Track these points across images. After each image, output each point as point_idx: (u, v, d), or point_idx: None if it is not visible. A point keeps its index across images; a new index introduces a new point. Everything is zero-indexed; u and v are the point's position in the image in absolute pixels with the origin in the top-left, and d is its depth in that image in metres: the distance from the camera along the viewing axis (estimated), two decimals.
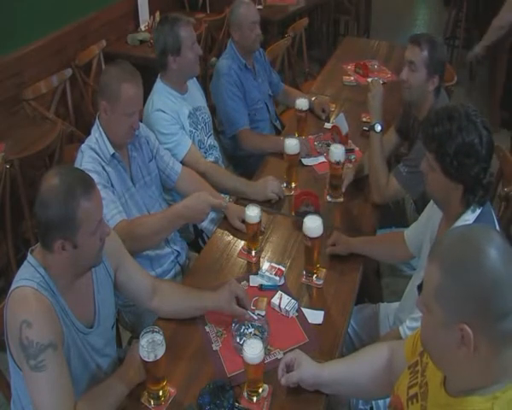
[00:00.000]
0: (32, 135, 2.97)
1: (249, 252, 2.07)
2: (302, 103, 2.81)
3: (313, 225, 1.88)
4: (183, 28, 2.38)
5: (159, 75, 2.48)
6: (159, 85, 2.45)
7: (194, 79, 2.66)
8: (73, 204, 1.37)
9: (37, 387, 1.36)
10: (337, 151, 2.30)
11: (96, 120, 2.01)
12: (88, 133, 2.05)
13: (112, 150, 1.98)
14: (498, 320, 0.96)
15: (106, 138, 1.98)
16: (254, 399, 1.52)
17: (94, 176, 1.86)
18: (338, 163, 2.30)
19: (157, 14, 4.32)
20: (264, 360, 1.50)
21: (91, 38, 3.97)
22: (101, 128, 1.98)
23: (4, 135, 2.94)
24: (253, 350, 1.47)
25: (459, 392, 1.05)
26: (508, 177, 2.43)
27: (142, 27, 4.42)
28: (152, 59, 3.83)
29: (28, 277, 1.42)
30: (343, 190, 2.36)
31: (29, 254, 1.47)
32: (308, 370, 1.50)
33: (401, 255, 2.05)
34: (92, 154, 1.95)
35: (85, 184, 1.42)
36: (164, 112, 2.37)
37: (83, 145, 1.99)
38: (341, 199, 2.36)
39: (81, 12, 3.95)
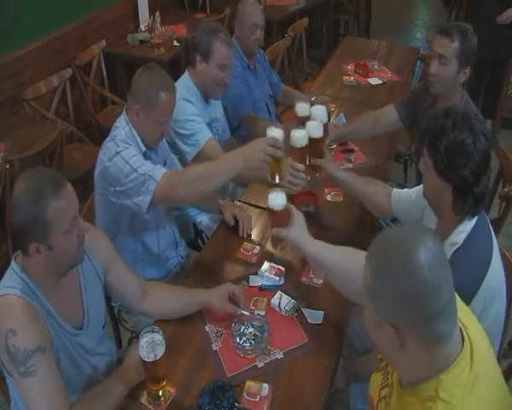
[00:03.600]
0: (32, 135, 2.98)
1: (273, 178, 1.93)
2: (303, 110, 2.40)
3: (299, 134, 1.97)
4: (219, 43, 2.37)
5: (187, 69, 2.48)
6: (186, 80, 2.44)
7: None
8: (41, 206, 1.34)
9: (29, 393, 1.35)
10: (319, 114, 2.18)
11: (125, 115, 2.00)
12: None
13: (144, 148, 1.99)
14: (425, 323, 1.00)
15: (137, 136, 1.98)
16: (279, 247, 1.87)
17: (131, 148, 1.91)
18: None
19: (157, 14, 4.31)
20: (286, 209, 1.66)
21: (91, 38, 3.97)
22: (130, 125, 1.97)
23: (4, 135, 2.94)
24: (278, 200, 1.65)
25: (408, 383, 1.09)
26: (508, 177, 2.43)
27: (142, 27, 4.42)
28: (152, 59, 3.84)
29: (11, 284, 1.41)
30: (327, 142, 2.29)
31: (13, 260, 1.46)
32: (295, 236, 1.61)
33: (380, 208, 2.02)
34: (126, 143, 1.94)
35: (53, 183, 1.38)
36: (191, 103, 2.36)
37: (112, 136, 1.96)
38: (341, 199, 2.36)
39: (81, 12, 3.95)
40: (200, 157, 2.36)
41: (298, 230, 1.63)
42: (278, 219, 1.70)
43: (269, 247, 2.11)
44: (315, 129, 2.09)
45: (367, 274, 1.05)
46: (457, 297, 1.18)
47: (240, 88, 2.79)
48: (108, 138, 1.97)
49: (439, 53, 2.16)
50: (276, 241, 1.93)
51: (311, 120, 2.17)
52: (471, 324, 1.15)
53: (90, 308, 1.59)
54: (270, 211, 1.73)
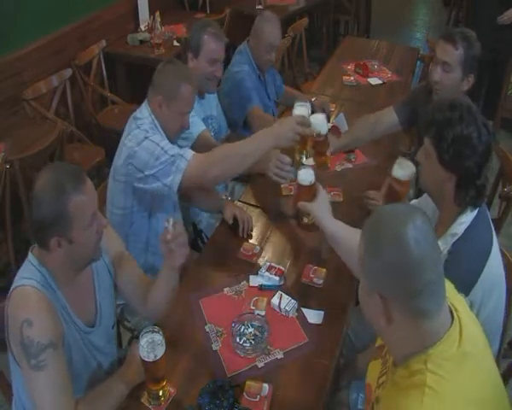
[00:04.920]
0: (32, 135, 2.97)
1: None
2: (300, 111, 2.13)
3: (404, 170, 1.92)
4: (208, 36, 2.36)
5: None
6: None
7: None
8: (64, 200, 1.36)
9: (37, 386, 1.36)
10: (319, 123, 2.09)
11: (147, 106, 2.03)
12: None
13: (166, 139, 2.01)
14: (409, 296, 1.05)
15: (161, 129, 2.01)
16: (305, 220, 2.05)
17: (158, 134, 1.96)
18: (320, 135, 2.14)
19: (157, 14, 4.31)
20: (314, 185, 1.78)
21: (91, 38, 3.97)
22: (153, 116, 2.01)
23: (4, 135, 2.94)
24: (307, 175, 1.78)
25: (400, 360, 1.13)
26: (508, 177, 2.43)
27: (142, 27, 4.42)
28: (152, 59, 3.85)
29: (28, 275, 1.42)
30: (328, 154, 2.25)
31: (30, 252, 1.48)
32: (317, 211, 1.74)
33: None
34: (152, 130, 1.98)
35: (75, 178, 1.40)
36: None
37: (138, 124, 1.97)
38: (341, 199, 2.36)
39: (81, 12, 3.95)
40: (194, 150, 2.35)
41: (321, 206, 1.75)
42: (305, 193, 1.81)
43: (269, 247, 2.11)
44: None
45: (360, 247, 1.12)
46: (451, 286, 1.24)
47: (246, 82, 2.76)
48: (133, 126, 1.99)
49: (442, 60, 2.13)
50: (304, 214, 2.06)
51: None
52: (463, 309, 1.18)
53: (102, 307, 1.61)
54: (298, 186, 1.84)
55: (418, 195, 2.37)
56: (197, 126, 2.36)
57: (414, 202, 2.03)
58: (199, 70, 2.40)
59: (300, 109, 2.00)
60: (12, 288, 1.42)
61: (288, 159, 2.05)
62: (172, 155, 1.90)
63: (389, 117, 2.49)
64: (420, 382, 1.05)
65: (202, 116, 2.49)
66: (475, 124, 1.48)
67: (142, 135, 1.94)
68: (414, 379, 1.06)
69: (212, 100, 2.64)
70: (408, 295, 1.05)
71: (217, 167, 1.90)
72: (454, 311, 1.14)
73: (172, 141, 2.06)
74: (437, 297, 1.07)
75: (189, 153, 1.92)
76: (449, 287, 1.22)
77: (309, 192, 1.80)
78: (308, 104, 2.07)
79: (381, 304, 1.07)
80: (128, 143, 1.96)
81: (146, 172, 1.91)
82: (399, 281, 1.05)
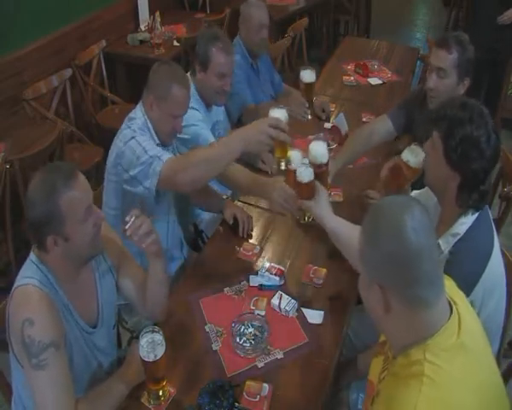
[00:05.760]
0: (32, 135, 2.97)
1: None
2: (308, 76, 2.68)
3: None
4: (217, 51, 2.31)
5: (190, 77, 2.31)
6: (191, 88, 2.23)
7: None
8: (54, 198, 1.36)
9: (38, 385, 1.36)
10: (320, 153, 1.96)
11: (141, 107, 2.02)
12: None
13: (158, 141, 2.00)
14: (407, 285, 1.07)
15: (152, 129, 2.00)
16: (306, 218, 2.02)
17: (146, 135, 1.94)
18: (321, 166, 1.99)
19: (157, 14, 4.31)
20: (312, 183, 1.75)
21: (91, 38, 3.97)
22: (146, 116, 2.00)
23: (4, 135, 2.94)
24: (306, 173, 1.73)
25: (399, 351, 1.14)
26: (508, 177, 2.43)
27: (142, 27, 4.42)
28: (152, 59, 3.84)
29: (30, 274, 1.42)
30: (329, 181, 2.18)
31: (31, 252, 1.48)
32: (319, 209, 1.75)
33: None
34: (142, 130, 1.97)
35: (65, 175, 1.39)
36: (197, 110, 2.33)
37: (129, 124, 1.97)
38: (341, 199, 2.36)
39: (81, 12, 3.95)
40: None
41: (321, 204, 1.76)
42: (304, 191, 1.79)
43: (269, 247, 2.11)
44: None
45: (360, 238, 1.14)
46: (452, 282, 1.26)
47: (236, 77, 2.72)
48: (124, 126, 1.99)
49: (437, 66, 2.11)
50: (303, 212, 2.01)
51: (311, 155, 1.97)
52: (462, 304, 1.20)
53: (104, 308, 1.61)
54: (297, 183, 1.80)
55: (420, 187, 2.36)
56: (206, 137, 2.28)
57: (414, 193, 2.01)
58: (207, 84, 2.36)
59: (276, 112, 1.86)
60: (14, 287, 1.43)
61: (292, 192, 1.91)
62: (151, 156, 1.86)
63: (384, 125, 2.45)
64: (418, 372, 1.06)
65: (210, 126, 2.45)
66: (485, 128, 1.47)
67: (130, 135, 1.93)
68: (412, 369, 1.08)
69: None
70: (406, 284, 1.07)
71: (188, 173, 1.83)
72: (453, 304, 1.15)
73: (167, 144, 2.05)
74: (435, 286, 1.09)
75: (166, 155, 1.88)
76: (449, 283, 1.24)
77: (308, 190, 1.79)
78: (285, 108, 1.93)
79: (380, 294, 1.09)
80: (118, 142, 1.96)
81: (131, 173, 1.90)
82: (398, 271, 1.07)
